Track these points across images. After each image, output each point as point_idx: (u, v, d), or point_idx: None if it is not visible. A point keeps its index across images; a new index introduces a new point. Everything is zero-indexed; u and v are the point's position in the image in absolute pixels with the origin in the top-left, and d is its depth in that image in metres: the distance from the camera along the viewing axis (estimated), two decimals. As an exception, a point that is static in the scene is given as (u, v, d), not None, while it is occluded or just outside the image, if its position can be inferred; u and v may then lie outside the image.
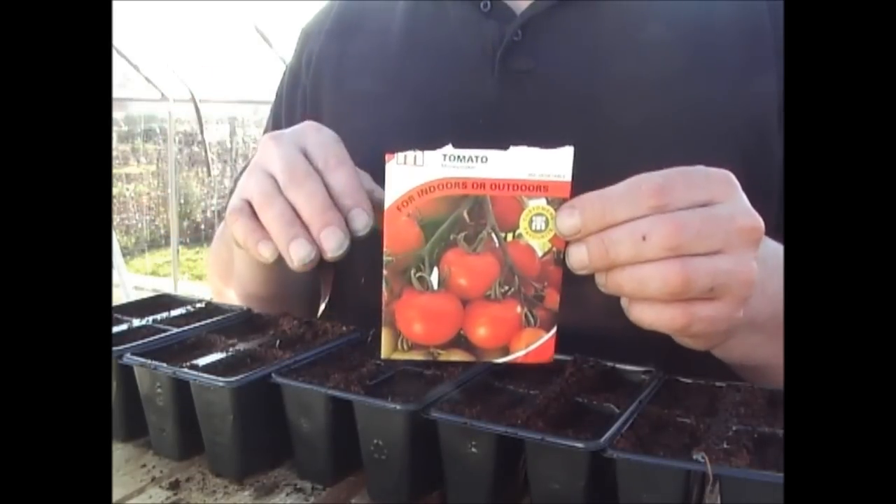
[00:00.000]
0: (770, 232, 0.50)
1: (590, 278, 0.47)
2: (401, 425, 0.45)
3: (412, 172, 0.47)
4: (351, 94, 0.73)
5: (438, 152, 0.47)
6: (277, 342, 0.57)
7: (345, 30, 0.77)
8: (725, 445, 0.40)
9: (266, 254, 0.52)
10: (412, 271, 0.49)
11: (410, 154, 0.47)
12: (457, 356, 0.50)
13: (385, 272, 0.49)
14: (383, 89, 0.71)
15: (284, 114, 0.80)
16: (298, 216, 0.52)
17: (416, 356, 0.50)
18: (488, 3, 0.68)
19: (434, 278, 0.49)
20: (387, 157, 0.47)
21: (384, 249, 0.48)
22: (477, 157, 0.47)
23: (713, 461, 0.38)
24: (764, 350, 0.55)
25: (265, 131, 0.81)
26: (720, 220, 0.45)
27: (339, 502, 0.48)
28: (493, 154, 0.47)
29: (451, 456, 0.45)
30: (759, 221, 0.46)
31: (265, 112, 0.89)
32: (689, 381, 0.51)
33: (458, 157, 0.47)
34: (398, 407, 0.45)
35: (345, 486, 0.49)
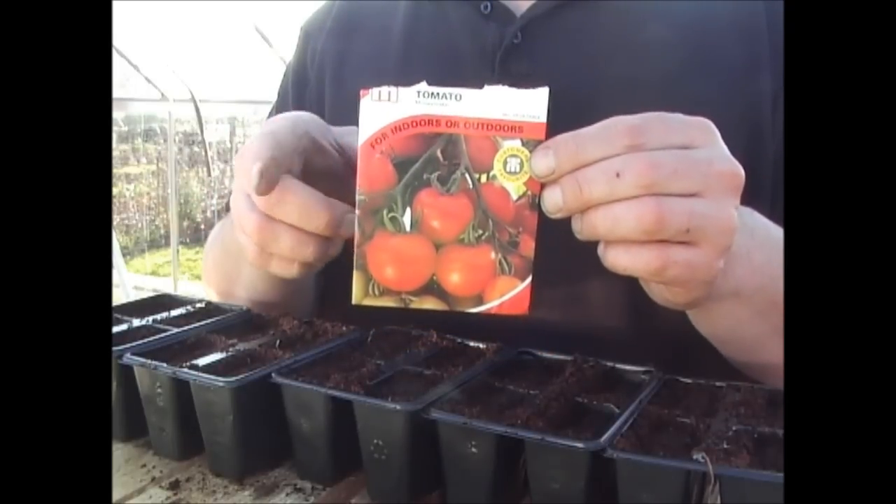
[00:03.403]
0: None
1: (591, 276, 0.47)
2: (401, 425, 0.45)
3: (386, 109, 0.47)
4: (351, 94, 0.73)
5: (413, 88, 0.47)
6: (277, 342, 0.57)
7: (345, 29, 0.77)
8: (725, 445, 0.40)
9: (300, 272, 0.54)
10: (384, 211, 0.48)
11: (385, 90, 0.47)
12: (429, 304, 0.49)
13: (357, 212, 0.48)
14: None
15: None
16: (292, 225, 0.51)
17: (388, 302, 0.49)
18: (488, 4, 0.67)
19: (407, 219, 0.48)
20: (361, 92, 0.47)
21: (357, 188, 0.48)
22: (451, 95, 0.47)
23: (713, 461, 0.38)
24: (752, 327, 0.54)
25: None
26: (697, 163, 0.44)
27: (339, 502, 0.48)
28: (467, 92, 0.47)
29: (451, 456, 0.45)
30: (739, 168, 0.46)
31: (265, 112, 0.88)
32: (689, 381, 0.51)
33: (433, 93, 0.47)
34: (398, 407, 0.45)
35: (345, 486, 0.49)
